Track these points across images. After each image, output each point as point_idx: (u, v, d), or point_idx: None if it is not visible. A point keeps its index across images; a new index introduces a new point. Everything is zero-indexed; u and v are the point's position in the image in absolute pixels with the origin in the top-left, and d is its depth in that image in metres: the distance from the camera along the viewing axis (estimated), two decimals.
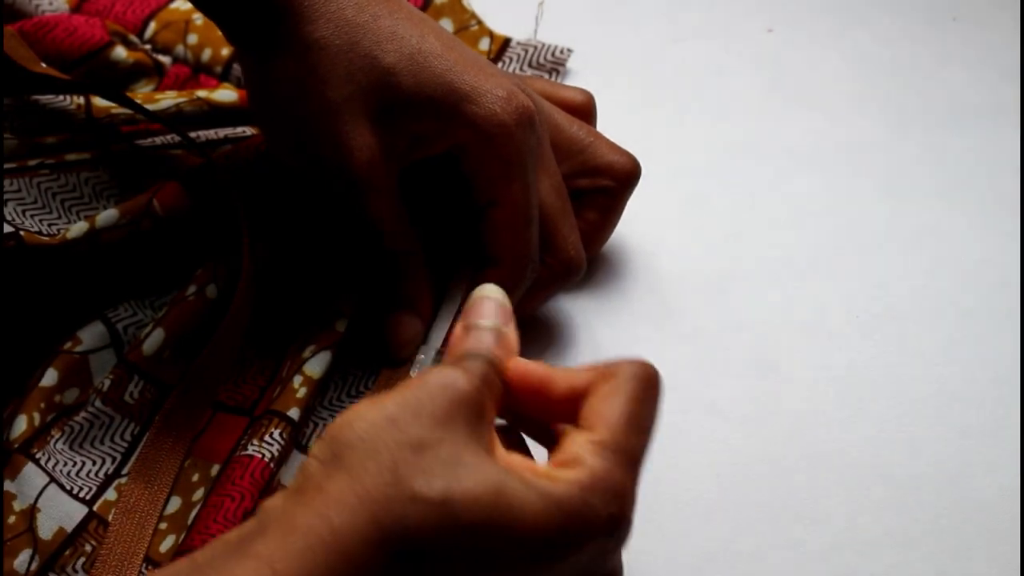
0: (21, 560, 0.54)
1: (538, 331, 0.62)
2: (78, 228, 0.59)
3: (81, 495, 0.56)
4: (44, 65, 0.64)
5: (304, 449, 0.58)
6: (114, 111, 0.64)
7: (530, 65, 0.72)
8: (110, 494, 0.56)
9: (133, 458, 0.57)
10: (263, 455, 0.55)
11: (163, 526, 0.55)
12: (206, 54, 0.71)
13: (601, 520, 0.43)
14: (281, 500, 0.42)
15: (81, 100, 0.64)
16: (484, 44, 0.72)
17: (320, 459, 0.43)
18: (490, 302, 0.48)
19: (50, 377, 0.57)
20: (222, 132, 0.66)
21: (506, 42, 0.72)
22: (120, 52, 0.68)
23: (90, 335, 0.59)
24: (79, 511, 0.55)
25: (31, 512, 0.55)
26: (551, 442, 0.46)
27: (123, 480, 0.57)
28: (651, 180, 0.63)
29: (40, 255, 0.58)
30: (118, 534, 0.55)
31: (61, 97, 0.64)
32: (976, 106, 0.72)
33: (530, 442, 0.49)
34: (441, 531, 0.41)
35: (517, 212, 0.56)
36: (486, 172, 0.56)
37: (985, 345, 0.63)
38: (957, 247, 0.66)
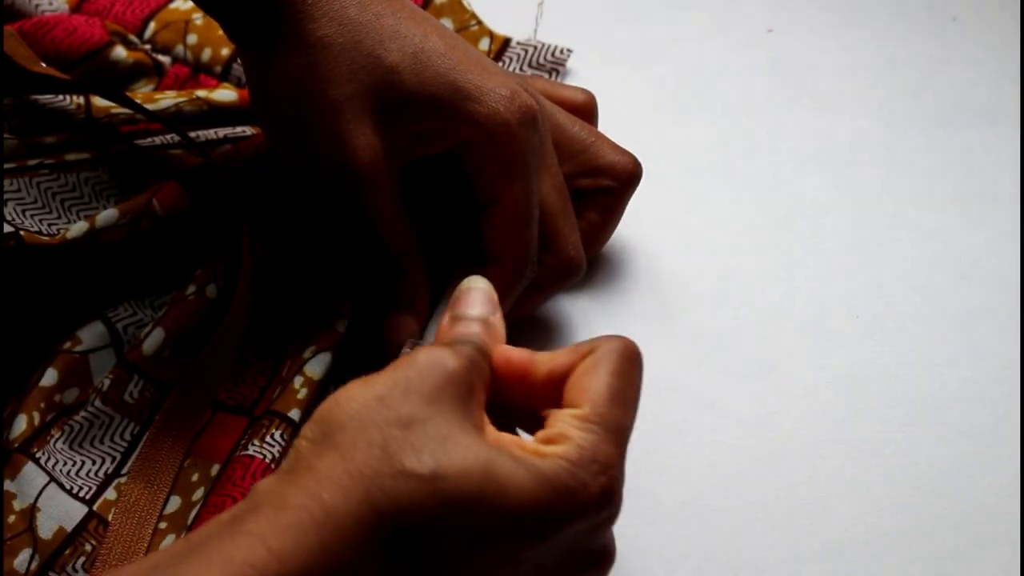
0: (21, 559, 0.54)
1: (538, 331, 0.62)
2: (78, 228, 0.59)
3: (81, 494, 0.56)
4: (44, 65, 0.64)
5: None
6: (114, 111, 0.64)
7: (530, 65, 0.72)
8: (110, 493, 0.56)
9: (133, 457, 0.57)
10: (264, 456, 0.55)
11: (163, 525, 0.55)
12: (206, 54, 0.71)
13: (591, 494, 0.43)
14: (273, 481, 0.43)
15: (81, 100, 0.64)
16: (484, 44, 0.72)
17: (310, 439, 0.43)
18: (477, 292, 0.49)
19: (50, 377, 0.57)
20: (222, 132, 0.66)
21: (506, 42, 0.72)
22: (120, 52, 0.68)
23: (90, 335, 0.59)
24: (79, 510, 0.55)
25: (31, 511, 0.55)
26: (537, 428, 0.47)
27: (123, 479, 0.57)
28: (651, 180, 0.63)
29: (40, 255, 0.58)
30: (118, 533, 0.55)
31: (61, 97, 0.64)
32: (976, 106, 0.72)
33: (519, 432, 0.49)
34: (432, 507, 0.41)
35: (518, 211, 0.56)
36: (488, 171, 0.56)
37: (985, 345, 0.63)
38: (957, 247, 0.66)
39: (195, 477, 0.57)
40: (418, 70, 0.55)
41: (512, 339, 0.56)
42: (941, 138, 0.71)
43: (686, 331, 0.63)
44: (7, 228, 0.58)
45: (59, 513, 0.55)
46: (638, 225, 0.65)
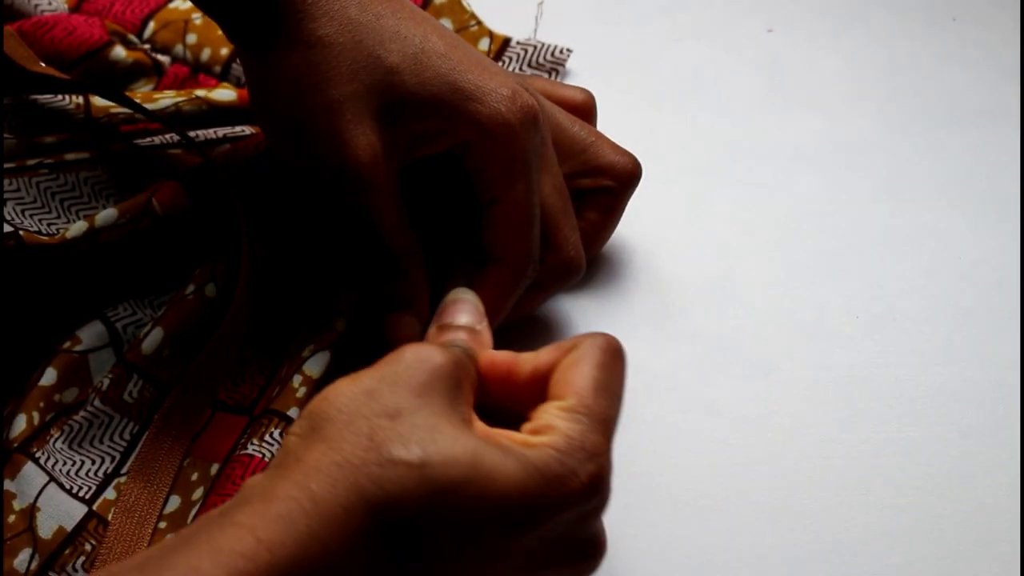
0: (21, 559, 0.54)
1: (538, 331, 0.62)
2: (77, 228, 0.59)
3: (81, 494, 0.56)
4: (43, 65, 0.64)
5: None
6: (113, 111, 0.64)
7: (530, 65, 0.72)
8: (109, 493, 0.56)
9: (132, 457, 0.57)
10: (263, 455, 0.55)
11: (162, 525, 0.55)
12: (205, 54, 0.71)
13: (580, 482, 0.44)
14: (262, 476, 0.43)
15: (80, 100, 0.64)
16: (484, 44, 0.72)
17: (299, 434, 0.44)
18: (464, 303, 0.50)
19: (49, 376, 0.57)
20: (221, 131, 0.66)
21: (506, 42, 0.72)
22: (119, 52, 0.68)
23: (89, 334, 0.59)
24: (79, 510, 0.55)
25: (31, 511, 0.55)
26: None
27: (122, 479, 0.57)
28: (651, 180, 0.63)
29: (40, 255, 0.58)
30: (118, 533, 0.55)
31: (60, 97, 0.64)
32: (976, 106, 0.72)
33: None
34: (419, 495, 0.42)
35: (519, 211, 0.56)
36: (489, 171, 0.56)
37: (985, 345, 0.63)
38: (957, 247, 0.66)
39: (195, 476, 0.57)
40: (419, 71, 0.55)
41: (512, 339, 0.56)
42: (941, 138, 0.71)
43: (686, 331, 0.63)
44: (7, 228, 0.58)
45: (59, 513, 0.55)
46: (638, 225, 0.65)
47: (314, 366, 0.58)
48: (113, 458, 0.57)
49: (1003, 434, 0.60)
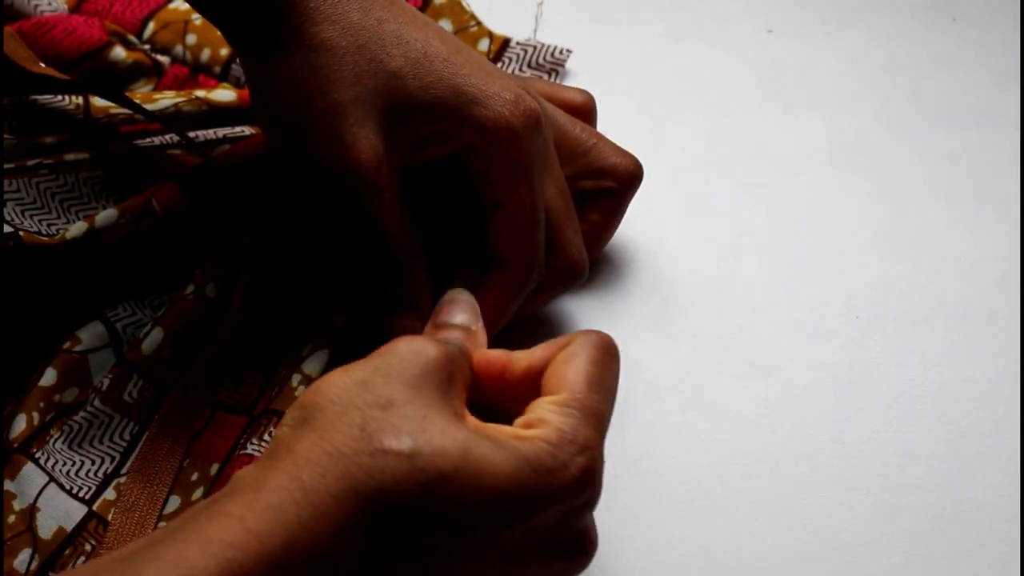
0: (21, 559, 0.54)
1: (539, 331, 0.62)
2: (77, 228, 0.59)
3: (80, 494, 0.56)
4: (43, 65, 0.64)
5: None
6: (113, 111, 0.64)
7: (529, 65, 0.72)
8: (109, 493, 0.56)
9: (132, 457, 0.57)
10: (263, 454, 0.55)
11: (163, 525, 0.55)
12: (205, 54, 0.71)
13: (571, 475, 0.44)
14: (252, 467, 0.43)
15: (80, 100, 0.64)
16: (483, 45, 0.72)
17: (290, 424, 0.44)
18: (460, 303, 0.51)
19: (49, 376, 0.57)
20: (221, 132, 0.66)
21: (505, 42, 0.72)
22: (119, 52, 0.68)
23: (89, 335, 0.59)
24: (79, 510, 0.55)
25: (31, 511, 0.55)
26: None
27: (122, 479, 0.57)
28: (651, 180, 0.63)
29: (39, 255, 0.58)
30: (118, 533, 0.55)
31: (60, 97, 0.64)
32: (975, 107, 0.72)
33: None
34: (410, 485, 0.42)
35: (523, 214, 0.56)
36: (493, 174, 0.56)
37: (985, 345, 0.63)
38: (957, 247, 0.66)
39: (195, 476, 0.57)
40: (421, 75, 0.55)
41: (513, 339, 0.56)
42: (940, 138, 0.71)
43: (686, 331, 0.63)
44: (7, 228, 0.58)
45: (59, 513, 0.55)
46: (639, 226, 0.65)
47: (313, 365, 0.58)
48: (113, 458, 0.57)
49: (1003, 434, 0.60)
